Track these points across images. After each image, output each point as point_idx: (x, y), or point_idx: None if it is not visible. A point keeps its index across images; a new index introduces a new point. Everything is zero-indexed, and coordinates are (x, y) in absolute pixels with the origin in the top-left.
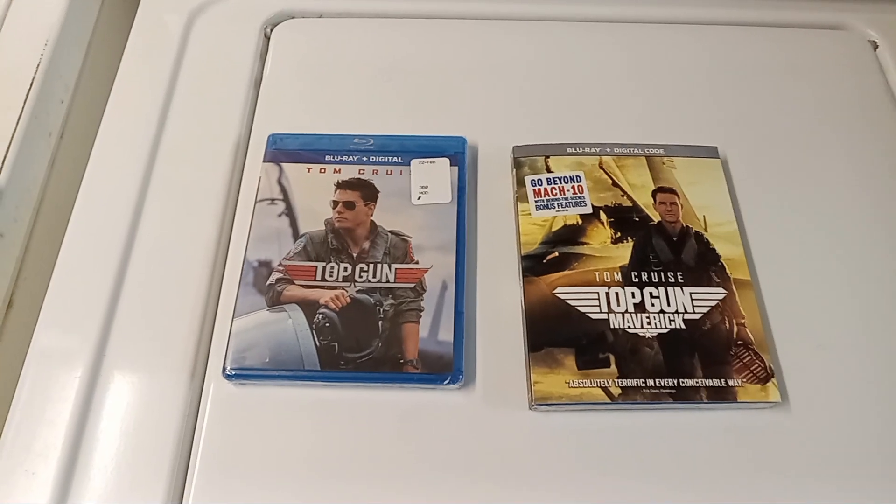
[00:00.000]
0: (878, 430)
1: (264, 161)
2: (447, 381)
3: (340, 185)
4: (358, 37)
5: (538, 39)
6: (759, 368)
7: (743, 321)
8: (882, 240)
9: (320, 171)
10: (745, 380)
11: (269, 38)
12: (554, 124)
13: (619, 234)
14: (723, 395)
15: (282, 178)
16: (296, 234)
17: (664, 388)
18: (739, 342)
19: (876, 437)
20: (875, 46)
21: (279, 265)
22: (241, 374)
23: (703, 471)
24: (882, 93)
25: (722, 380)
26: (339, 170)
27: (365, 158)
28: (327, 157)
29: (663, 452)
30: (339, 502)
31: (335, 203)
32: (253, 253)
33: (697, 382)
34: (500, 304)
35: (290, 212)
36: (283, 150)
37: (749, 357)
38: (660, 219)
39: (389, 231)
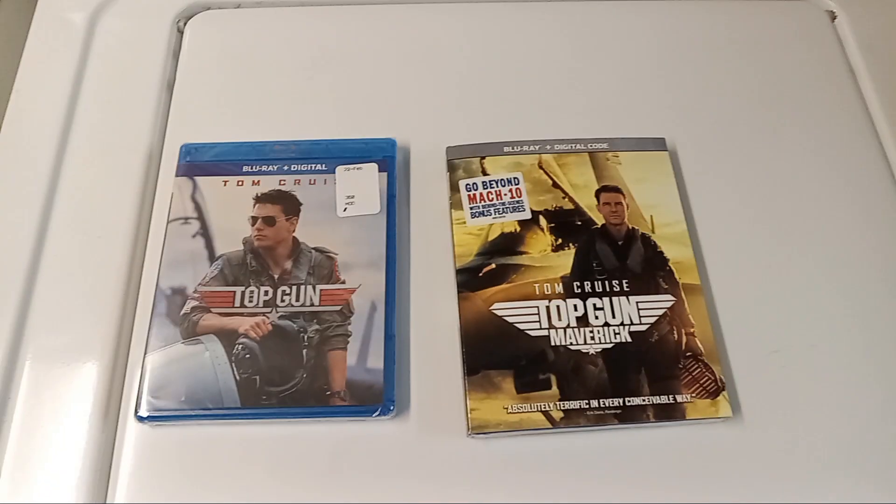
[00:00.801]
0: (836, 439)
1: (177, 175)
2: (377, 413)
3: (259, 199)
4: (279, 28)
5: (471, 22)
6: (710, 381)
7: (692, 330)
8: (842, 237)
9: (238, 184)
10: (694, 395)
11: (182, 33)
12: (491, 119)
13: (560, 241)
14: (671, 413)
15: (196, 193)
16: (212, 257)
17: (609, 408)
18: (688, 353)
19: (833, 445)
20: (833, 17)
21: (194, 292)
22: (155, 416)
23: (653, 492)
24: (841, 66)
25: (670, 396)
26: (258, 181)
27: (286, 167)
28: (245, 168)
29: (610, 475)
30: None
31: (254, 219)
32: (165, 280)
33: (644, 400)
34: (436, 323)
35: (205, 231)
36: (197, 163)
37: (698, 369)
38: (604, 221)
39: (313, 248)
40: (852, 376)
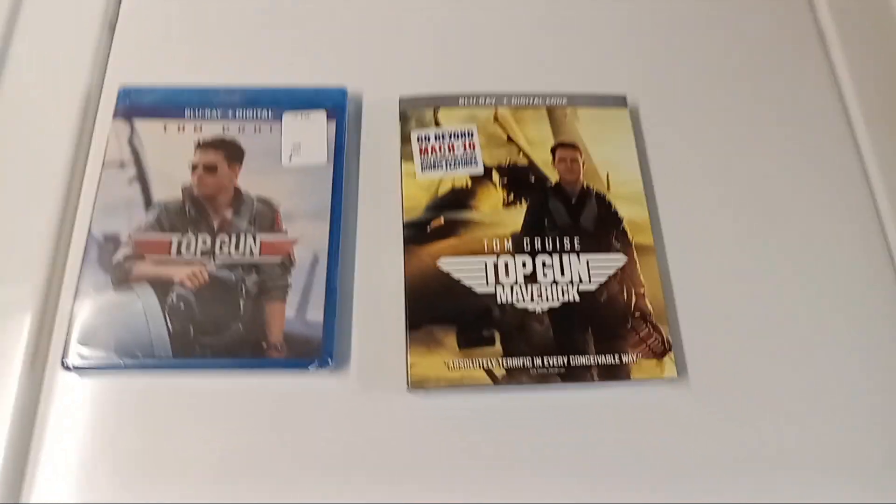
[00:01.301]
0: (781, 401)
1: (114, 118)
2: (314, 366)
3: (201, 146)
4: None
5: None
6: (656, 342)
7: (642, 291)
8: (801, 201)
9: (179, 130)
10: (640, 355)
11: None
12: (447, 69)
13: (512, 197)
14: (615, 373)
15: (133, 138)
16: (148, 203)
17: (552, 367)
18: (637, 314)
19: (777, 407)
20: None
21: (128, 239)
22: (83, 365)
23: (594, 453)
24: (810, 28)
25: (615, 356)
26: (201, 127)
27: (230, 113)
28: (187, 113)
29: (552, 434)
30: (200, 503)
31: (194, 166)
32: (98, 226)
33: (589, 360)
34: (381, 277)
35: (142, 177)
36: (137, 106)
37: (646, 330)
38: (558, 178)
39: (255, 197)
40: (803, 339)
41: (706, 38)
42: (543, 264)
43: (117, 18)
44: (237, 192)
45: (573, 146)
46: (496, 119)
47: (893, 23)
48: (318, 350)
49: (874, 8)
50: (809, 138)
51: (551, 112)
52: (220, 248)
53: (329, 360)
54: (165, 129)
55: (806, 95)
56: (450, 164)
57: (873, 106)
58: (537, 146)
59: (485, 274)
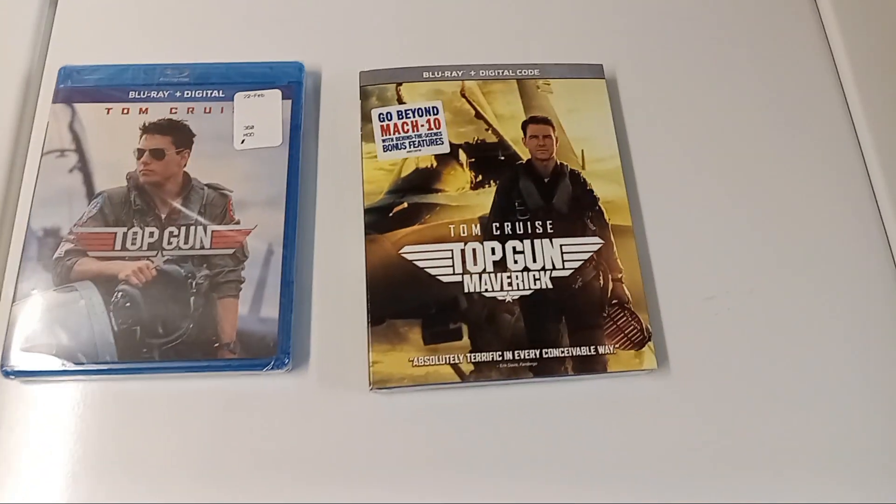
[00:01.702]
0: (768, 391)
1: (54, 102)
2: (269, 367)
3: (147, 129)
4: None
5: None
6: (635, 331)
7: (620, 276)
8: (788, 179)
9: (123, 112)
10: (617, 345)
11: None
12: (410, 41)
13: (480, 178)
14: (591, 366)
15: (75, 122)
16: (90, 194)
17: (524, 360)
18: (614, 301)
19: (763, 397)
20: None
21: (69, 233)
22: (23, 370)
23: (570, 452)
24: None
25: (591, 347)
26: (146, 109)
27: (178, 94)
28: (132, 94)
29: (524, 433)
30: None
31: (140, 152)
32: (37, 219)
33: (563, 352)
34: (341, 268)
35: (83, 165)
36: (78, 87)
37: (624, 318)
38: (530, 156)
39: (206, 184)
40: (790, 328)
41: (688, 5)
42: (514, 250)
43: None
44: (186, 178)
45: (545, 121)
46: (463, 93)
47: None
48: (274, 349)
49: None
50: (802, 110)
51: (522, 84)
52: (169, 240)
53: (286, 359)
54: (108, 111)
55: (798, 65)
56: (413, 144)
57: (868, 76)
58: (507, 122)
59: (451, 262)
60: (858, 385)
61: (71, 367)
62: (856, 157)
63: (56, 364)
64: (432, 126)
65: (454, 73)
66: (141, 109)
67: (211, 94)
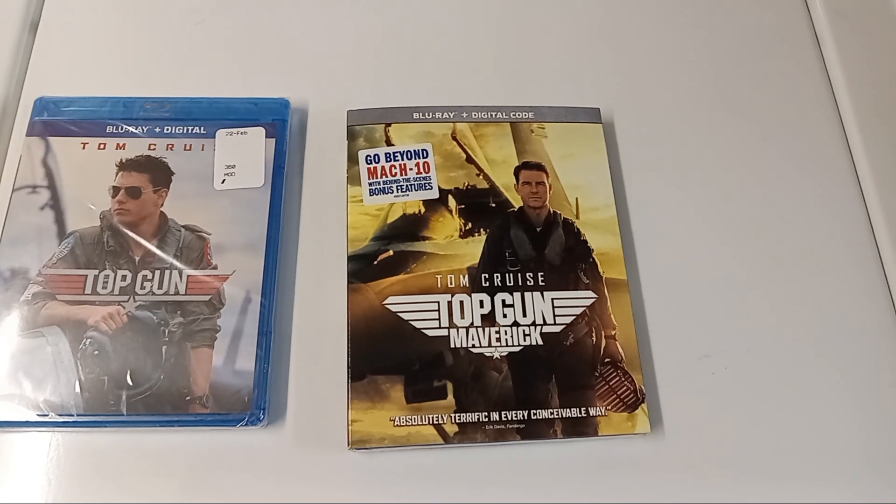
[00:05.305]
0: (767, 454)
1: (28, 135)
2: (243, 423)
3: (124, 166)
4: None
5: None
6: (628, 392)
7: (613, 332)
8: (788, 235)
9: (99, 147)
10: (610, 407)
11: None
12: (401, 80)
13: (469, 225)
14: (581, 429)
15: (48, 157)
16: (62, 233)
17: (511, 422)
18: (607, 360)
19: (763, 461)
20: None
21: (38, 275)
22: None
23: None
24: (804, 34)
25: (582, 409)
26: (124, 145)
27: (158, 129)
28: (109, 129)
29: (510, 499)
30: None
31: (115, 190)
32: (4, 259)
33: (552, 414)
34: (322, 318)
35: (55, 203)
36: (53, 121)
37: (616, 378)
38: (522, 204)
39: (183, 226)
40: (789, 385)
41: (688, 46)
42: (503, 303)
43: (40, 19)
44: (163, 219)
45: (539, 167)
46: (454, 136)
47: (891, 22)
48: (249, 404)
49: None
50: (805, 159)
51: (516, 128)
52: (142, 284)
53: (261, 415)
54: (84, 146)
55: (800, 109)
56: (401, 188)
57: (870, 122)
58: (499, 167)
59: (438, 315)
60: (861, 449)
61: (34, 418)
62: (860, 213)
63: (18, 414)
64: (421, 170)
65: (445, 115)
66: (118, 145)
67: (192, 130)
